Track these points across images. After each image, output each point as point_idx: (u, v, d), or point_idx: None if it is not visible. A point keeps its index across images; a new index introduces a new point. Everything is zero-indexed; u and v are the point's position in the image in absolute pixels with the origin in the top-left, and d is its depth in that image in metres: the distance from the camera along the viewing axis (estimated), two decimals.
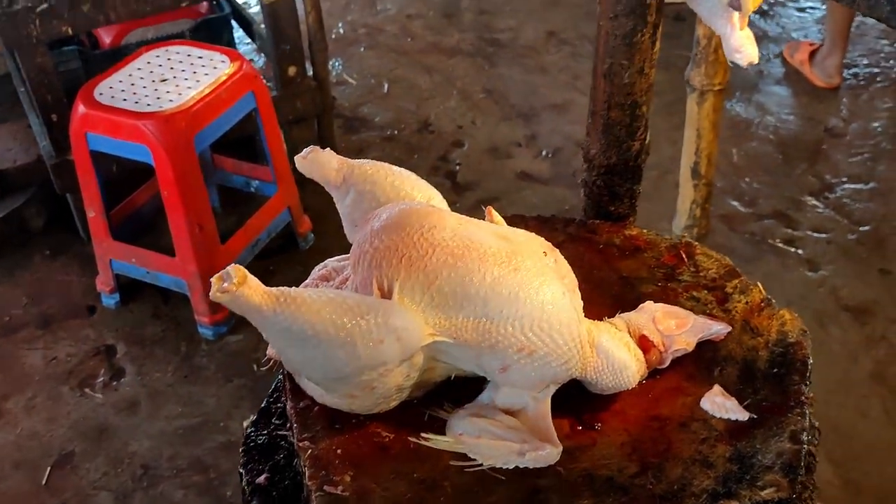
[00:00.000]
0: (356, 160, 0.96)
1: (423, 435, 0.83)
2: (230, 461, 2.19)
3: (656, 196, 2.79)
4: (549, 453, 0.81)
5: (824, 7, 3.85)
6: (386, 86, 3.51)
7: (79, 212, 2.71)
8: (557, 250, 0.90)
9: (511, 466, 0.81)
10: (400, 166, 0.96)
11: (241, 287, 0.74)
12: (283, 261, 2.71)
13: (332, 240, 2.74)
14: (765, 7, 3.82)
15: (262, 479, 0.91)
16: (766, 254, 2.67)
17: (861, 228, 2.74)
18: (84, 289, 2.63)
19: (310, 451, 0.83)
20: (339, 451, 0.83)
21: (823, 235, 2.73)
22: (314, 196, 2.81)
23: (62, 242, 2.79)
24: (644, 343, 0.91)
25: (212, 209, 2.40)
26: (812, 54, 3.37)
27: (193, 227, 2.30)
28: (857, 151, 3.06)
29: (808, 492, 0.88)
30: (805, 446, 0.85)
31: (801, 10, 3.87)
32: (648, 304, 0.95)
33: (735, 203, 2.87)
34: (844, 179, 2.94)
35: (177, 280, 2.44)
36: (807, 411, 0.88)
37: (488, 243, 0.83)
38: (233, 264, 0.76)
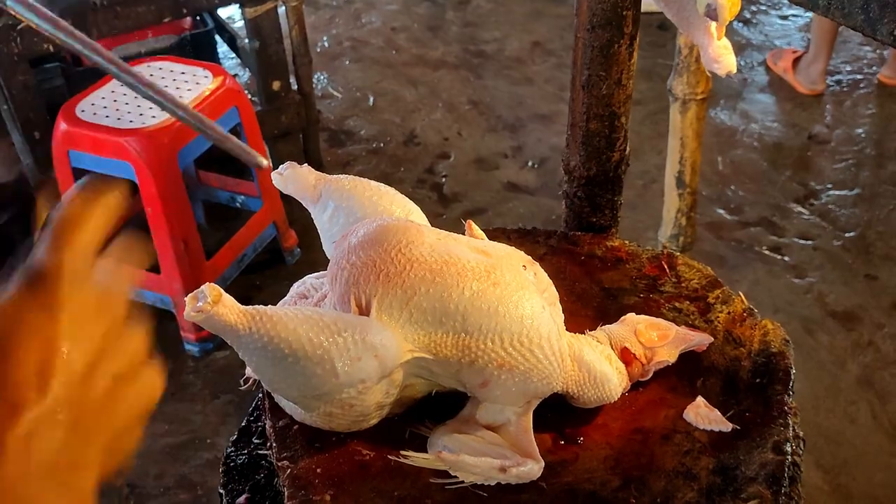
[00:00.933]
0: (334, 175, 0.95)
1: (403, 453, 0.83)
2: (217, 478, 2.17)
3: (642, 205, 2.79)
4: (531, 469, 0.80)
5: (807, 15, 3.87)
6: (371, 99, 3.51)
7: None
8: (538, 264, 0.89)
9: (493, 483, 0.81)
10: (386, 179, 0.96)
11: (215, 306, 0.73)
12: (269, 276, 2.70)
13: (319, 254, 2.71)
14: (747, 15, 3.84)
15: (242, 499, 0.90)
16: (752, 261, 2.68)
17: (846, 234, 2.75)
18: None
19: (289, 471, 0.82)
20: (318, 469, 0.82)
21: (809, 242, 2.74)
22: (300, 210, 2.79)
23: None
24: (626, 356, 0.90)
25: (197, 225, 2.39)
26: (795, 61, 3.38)
27: (178, 244, 2.29)
28: (841, 158, 3.07)
29: (793, 502, 0.87)
30: (789, 457, 0.84)
31: (784, 17, 3.89)
32: (630, 316, 0.95)
33: (721, 211, 2.88)
34: (829, 186, 2.96)
35: (162, 297, 2.42)
36: (790, 422, 0.88)
37: (467, 258, 0.83)
38: (207, 283, 0.75)
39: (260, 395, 0.98)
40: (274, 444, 0.85)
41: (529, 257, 0.89)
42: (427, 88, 3.57)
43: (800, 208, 2.88)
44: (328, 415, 0.81)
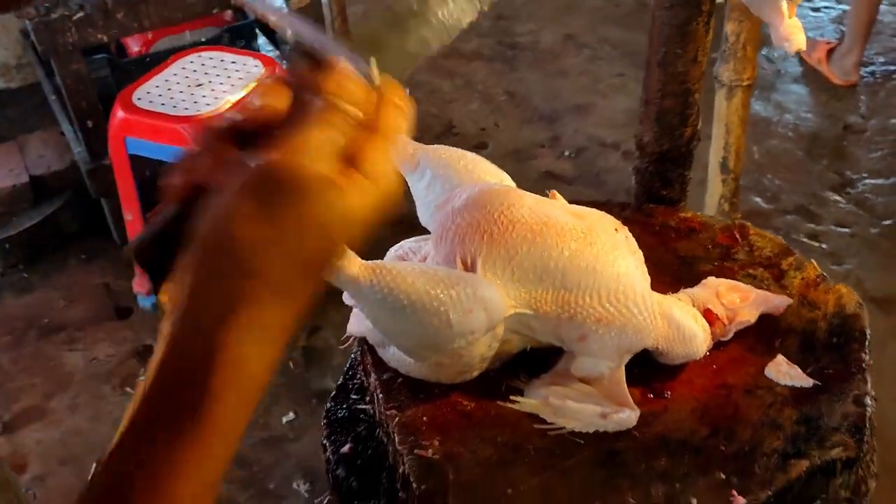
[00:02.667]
0: (430, 145, 1.00)
1: (512, 398, 0.88)
2: (271, 456, 2.23)
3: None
4: (628, 416, 0.85)
5: (840, 7, 3.90)
6: (408, 90, 3.56)
7: (113, 216, 2.76)
8: (626, 227, 0.94)
9: (592, 430, 0.86)
10: None
11: (339, 260, 0.78)
12: None
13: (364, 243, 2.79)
14: None
15: (346, 448, 0.96)
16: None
17: (883, 222, 2.78)
18: (120, 291, 2.68)
19: (397, 419, 0.87)
20: (424, 418, 0.87)
21: (846, 230, 2.77)
22: None
23: (96, 246, 2.84)
24: (709, 316, 0.95)
25: None
26: (829, 52, 3.41)
27: None
28: (876, 147, 3.10)
29: (870, 454, 0.92)
30: (869, 409, 0.89)
31: (817, 9, 3.91)
32: (710, 279, 1.00)
33: (758, 199, 2.91)
34: (865, 175, 2.98)
35: None
36: (868, 377, 0.92)
37: (564, 220, 0.88)
38: None
39: (355, 354, 1.04)
40: (380, 395, 0.90)
41: (618, 221, 0.94)
42: (463, 80, 3.61)
43: (836, 197, 2.91)
44: (438, 364, 0.86)
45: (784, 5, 1.10)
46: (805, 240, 2.74)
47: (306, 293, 0.53)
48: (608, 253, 0.87)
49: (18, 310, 2.63)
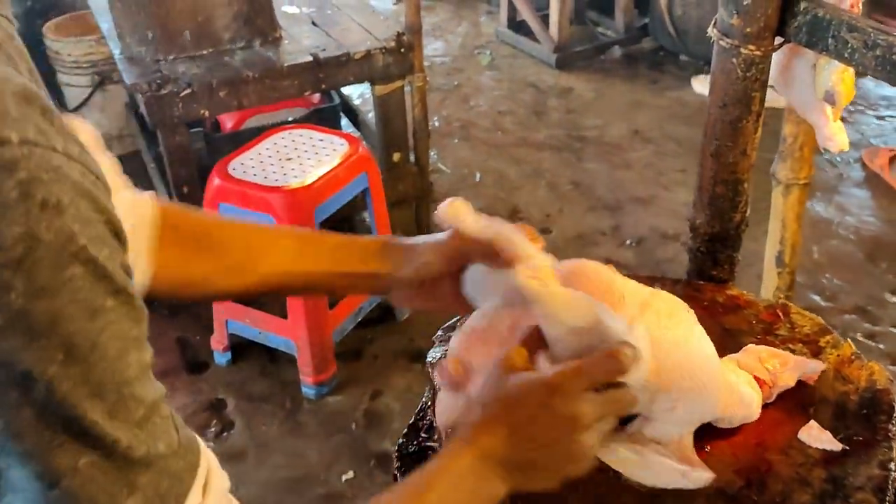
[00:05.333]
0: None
1: (606, 447, 0.96)
2: None
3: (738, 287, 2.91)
4: (706, 476, 0.95)
5: None
6: (478, 175, 3.75)
7: None
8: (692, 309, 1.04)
9: (671, 487, 0.95)
10: None
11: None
12: (380, 331, 2.89)
13: (423, 313, 2.93)
14: (845, 115, 3.96)
15: None
16: None
17: None
18: (198, 347, 2.85)
19: None
20: None
21: None
22: None
23: (179, 304, 3.03)
24: (756, 380, 1.05)
25: None
26: (892, 160, 3.49)
27: None
28: None
29: None
30: (893, 472, 0.97)
31: (881, 118, 4.01)
32: (751, 346, 1.09)
33: (816, 297, 2.97)
34: None
35: (286, 341, 2.63)
36: (893, 445, 1.01)
37: (652, 298, 0.98)
38: None
39: (425, 398, 1.16)
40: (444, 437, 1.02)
41: (685, 304, 1.04)
42: (530, 168, 3.79)
43: (895, 299, 2.95)
44: None
45: (829, 110, 1.22)
46: (862, 339, 2.78)
47: None
48: (690, 329, 0.97)
49: None
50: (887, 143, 3.79)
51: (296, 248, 1.04)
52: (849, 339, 1.16)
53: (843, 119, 4.11)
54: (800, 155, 2.14)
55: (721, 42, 1.22)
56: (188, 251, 0.98)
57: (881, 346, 2.75)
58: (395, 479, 1.08)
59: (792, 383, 1.06)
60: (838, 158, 3.67)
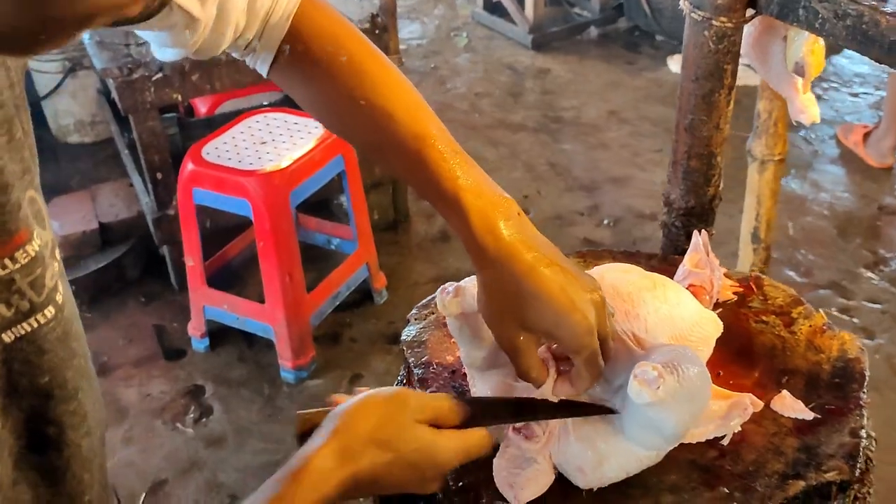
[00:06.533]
0: None
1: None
2: None
3: None
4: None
5: (878, 93, 4.01)
6: None
7: (173, 263, 2.94)
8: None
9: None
10: None
11: None
12: (358, 314, 2.89)
13: (404, 295, 2.93)
14: (819, 92, 4.00)
15: None
16: None
17: None
18: (175, 333, 2.83)
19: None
20: None
21: (878, 306, 2.84)
22: (387, 256, 3.01)
23: (155, 291, 3.01)
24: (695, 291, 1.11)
25: None
26: (866, 136, 3.52)
27: (284, 276, 2.50)
28: None
29: (866, 488, 1.00)
30: (863, 440, 0.98)
31: (855, 95, 4.04)
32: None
33: (791, 273, 2.99)
34: None
35: (264, 326, 2.62)
36: (864, 413, 1.01)
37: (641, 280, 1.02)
38: None
39: (403, 375, 1.15)
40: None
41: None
42: (508, 149, 3.78)
43: (869, 274, 2.98)
44: None
45: (799, 82, 1.22)
46: (837, 314, 2.81)
47: None
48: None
49: None
50: (861, 119, 3.82)
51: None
52: (821, 311, 1.17)
53: (817, 96, 4.16)
54: (774, 131, 2.15)
55: (693, 14, 1.22)
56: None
57: (855, 319, 2.78)
58: None
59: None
60: (813, 135, 3.70)
